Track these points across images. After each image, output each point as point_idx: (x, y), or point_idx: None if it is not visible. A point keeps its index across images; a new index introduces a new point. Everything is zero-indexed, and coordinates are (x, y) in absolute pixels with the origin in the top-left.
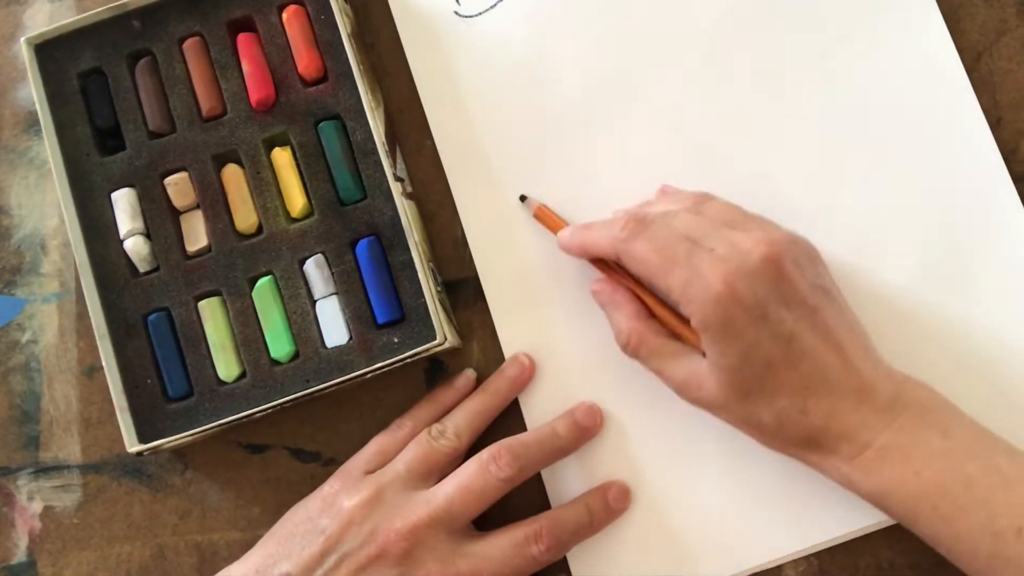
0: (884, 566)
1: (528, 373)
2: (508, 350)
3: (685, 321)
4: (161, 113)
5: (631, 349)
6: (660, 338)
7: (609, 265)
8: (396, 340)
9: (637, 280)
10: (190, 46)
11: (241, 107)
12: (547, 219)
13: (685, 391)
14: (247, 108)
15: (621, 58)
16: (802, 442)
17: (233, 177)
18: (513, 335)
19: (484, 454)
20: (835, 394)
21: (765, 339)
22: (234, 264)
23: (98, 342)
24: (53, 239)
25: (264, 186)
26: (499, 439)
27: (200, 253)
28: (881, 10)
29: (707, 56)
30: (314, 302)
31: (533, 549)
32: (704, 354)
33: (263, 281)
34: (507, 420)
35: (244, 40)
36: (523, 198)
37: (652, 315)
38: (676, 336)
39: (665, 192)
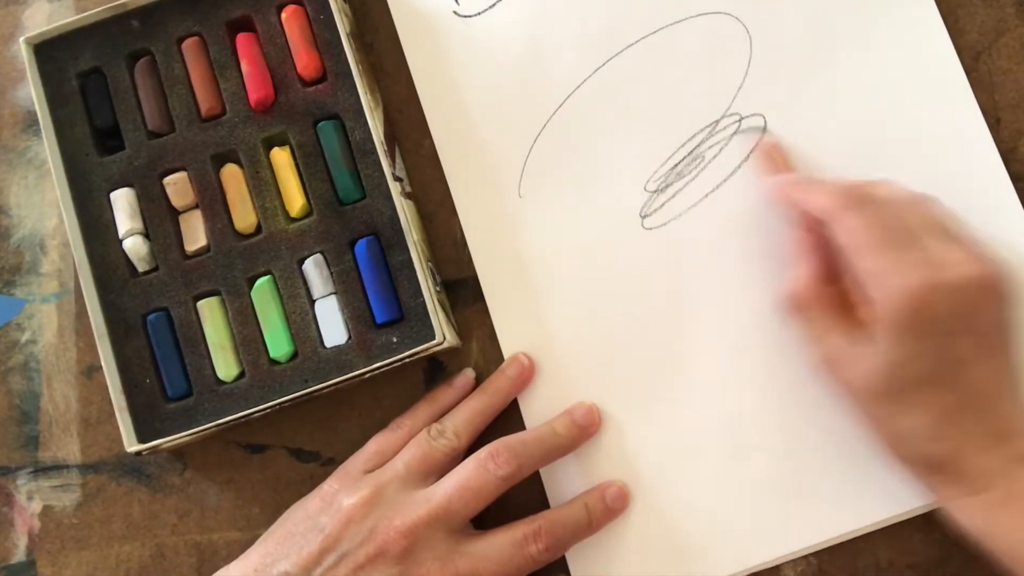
0: (883, 566)
1: (528, 373)
2: (507, 350)
3: (865, 304)
4: (160, 113)
5: (800, 302)
6: (830, 307)
7: (810, 223)
8: (395, 340)
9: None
10: (189, 46)
11: (240, 107)
12: (771, 159)
13: (834, 367)
14: (246, 108)
15: (620, 57)
16: (923, 463)
17: (232, 177)
18: (512, 335)
19: (483, 452)
20: (974, 431)
21: (936, 354)
22: (233, 264)
23: (97, 342)
24: (52, 239)
25: (263, 186)
26: (498, 439)
27: (199, 253)
28: (880, 10)
29: (707, 52)
30: (313, 302)
31: (532, 548)
32: (867, 341)
33: (262, 281)
34: (506, 420)
35: (243, 40)
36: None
37: (834, 283)
38: (846, 313)
39: (888, 183)
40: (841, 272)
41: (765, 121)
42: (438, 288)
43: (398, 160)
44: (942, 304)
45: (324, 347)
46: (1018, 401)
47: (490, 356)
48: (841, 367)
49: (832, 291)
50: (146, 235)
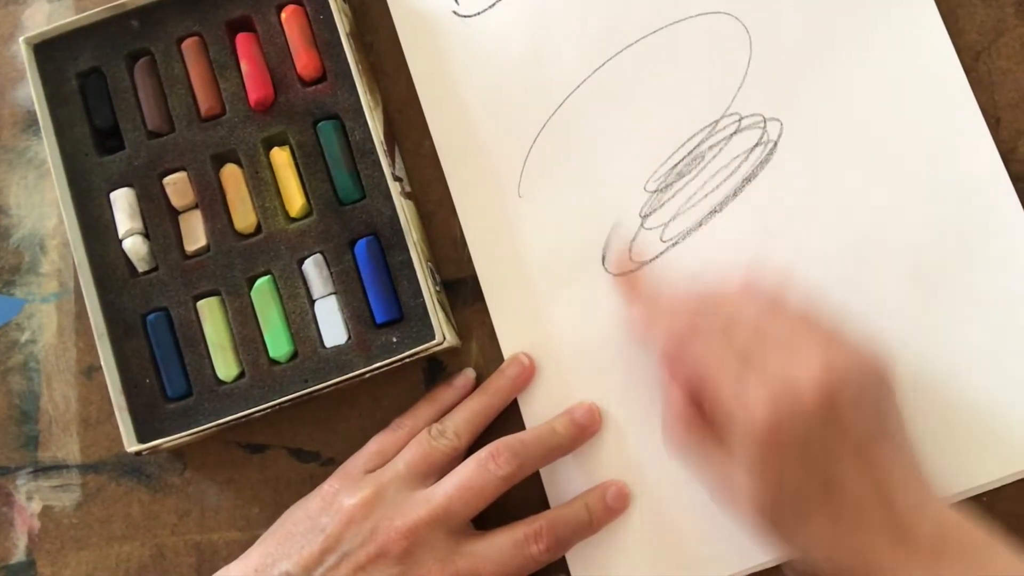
0: None
1: (528, 373)
2: (507, 350)
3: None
4: (160, 113)
5: (676, 442)
6: (702, 435)
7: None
8: (395, 340)
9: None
10: (189, 46)
11: (240, 107)
12: (627, 285)
13: (715, 496)
14: (246, 108)
15: (620, 57)
16: (834, 573)
17: (232, 177)
18: (512, 335)
19: (483, 452)
20: (870, 533)
21: (802, 477)
22: (233, 264)
23: (97, 342)
24: (52, 239)
25: (263, 186)
26: (498, 439)
27: (199, 253)
28: (879, 10)
29: (707, 52)
30: (313, 302)
31: (532, 548)
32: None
33: (262, 281)
34: (506, 420)
35: (243, 40)
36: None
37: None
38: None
39: (744, 284)
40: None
41: (765, 121)
42: (438, 288)
43: (398, 160)
44: (789, 429)
45: (324, 347)
46: (921, 490)
47: (490, 356)
48: (722, 498)
49: (700, 423)
50: (146, 235)
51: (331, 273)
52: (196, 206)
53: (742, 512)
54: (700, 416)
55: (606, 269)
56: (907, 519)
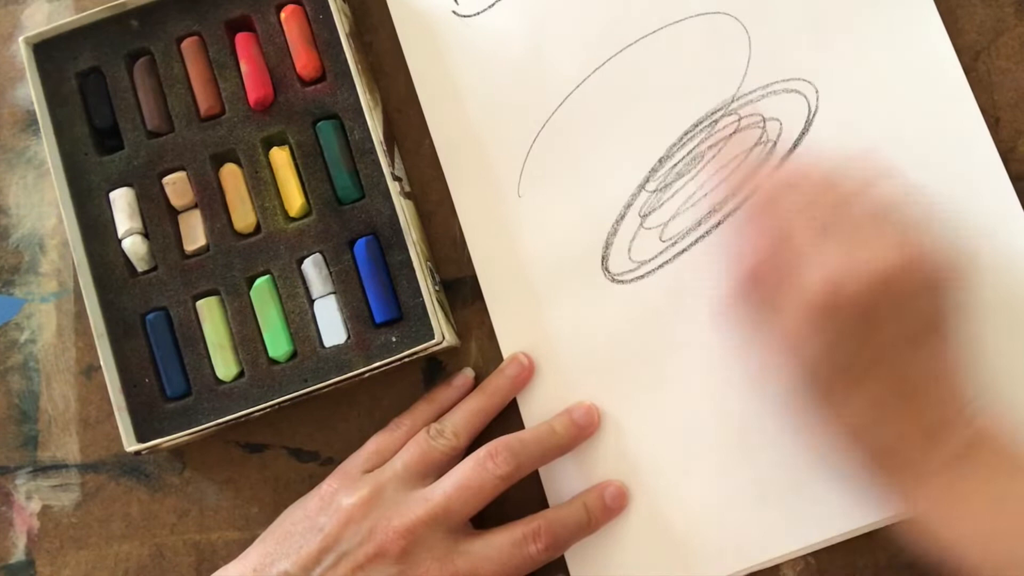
0: (882, 565)
1: (527, 373)
2: (506, 349)
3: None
4: (159, 112)
5: (732, 300)
6: (763, 301)
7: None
8: (394, 339)
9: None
10: (188, 46)
11: (239, 107)
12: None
13: (769, 365)
14: (245, 108)
15: (620, 57)
16: (868, 456)
17: (231, 176)
18: (511, 334)
19: (481, 452)
20: (909, 424)
21: (853, 346)
22: (232, 263)
23: (96, 341)
24: (51, 238)
25: (262, 185)
26: (497, 438)
27: (198, 252)
28: (878, 10)
29: (706, 52)
30: (312, 301)
31: (531, 548)
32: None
33: (261, 280)
34: (505, 419)
35: (242, 40)
36: None
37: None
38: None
39: (846, 165)
40: (770, 264)
41: (764, 120)
42: (437, 288)
43: (397, 160)
44: (852, 297)
45: (323, 347)
46: (956, 398)
47: (489, 356)
48: (776, 365)
49: (760, 292)
50: (145, 235)
51: (330, 273)
52: (195, 206)
53: (786, 379)
54: (762, 282)
55: (607, 270)
56: (946, 413)
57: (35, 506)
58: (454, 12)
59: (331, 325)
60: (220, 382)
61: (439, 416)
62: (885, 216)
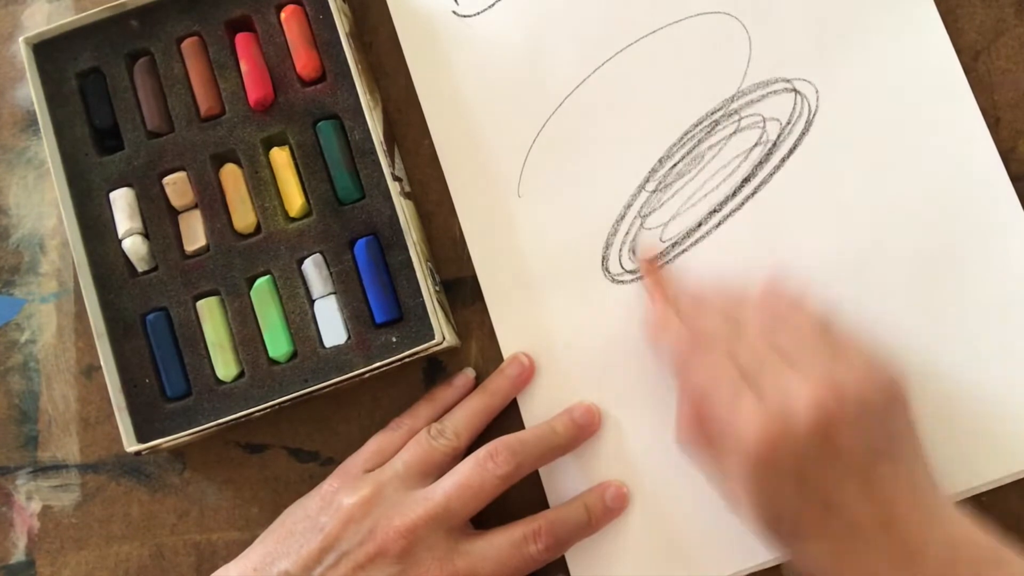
0: None
1: (528, 373)
2: (506, 349)
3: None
4: (159, 113)
5: (680, 443)
6: (706, 443)
7: None
8: (394, 340)
9: None
10: (188, 46)
11: (239, 107)
12: (652, 282)
13: (722, 498)
14: (245, 108)
15: (620, 57)
16: None
17: (231, 177)
18: (511, 334)
19: (481, 452)
20: (871, 556)
21: (798, 500)
22: (232, 264)
23: (96, 342)
24: (51, 239)
25: (262, 186)
26: (497, 438)
27: (198, 253)
28: (878, 10)
29: (706, 52)
30: (312, 302)
31: (531, 548)
32: None
33: (261, 281)
34: (506, 419)
35: (242, 40)
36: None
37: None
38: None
39: (762, 291)
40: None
41: (764, 121)
42: (437, 288)
43: (397, 160)
44: (784, 454)
45: (323, 347)
46: (933, 508)
47: (489, 356)
48: (730, 506)
49: (706, 434)
50: (145, 235)
51: (330, 273)
52: (195, 206)
53: (744, 519)
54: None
55: (606, 270)
56: (913, 542)
57: (35, 506)
58: (454, 12)
59: (331, 325)
60: (220, 382)
61: (439, 416)
62: (807, 348)
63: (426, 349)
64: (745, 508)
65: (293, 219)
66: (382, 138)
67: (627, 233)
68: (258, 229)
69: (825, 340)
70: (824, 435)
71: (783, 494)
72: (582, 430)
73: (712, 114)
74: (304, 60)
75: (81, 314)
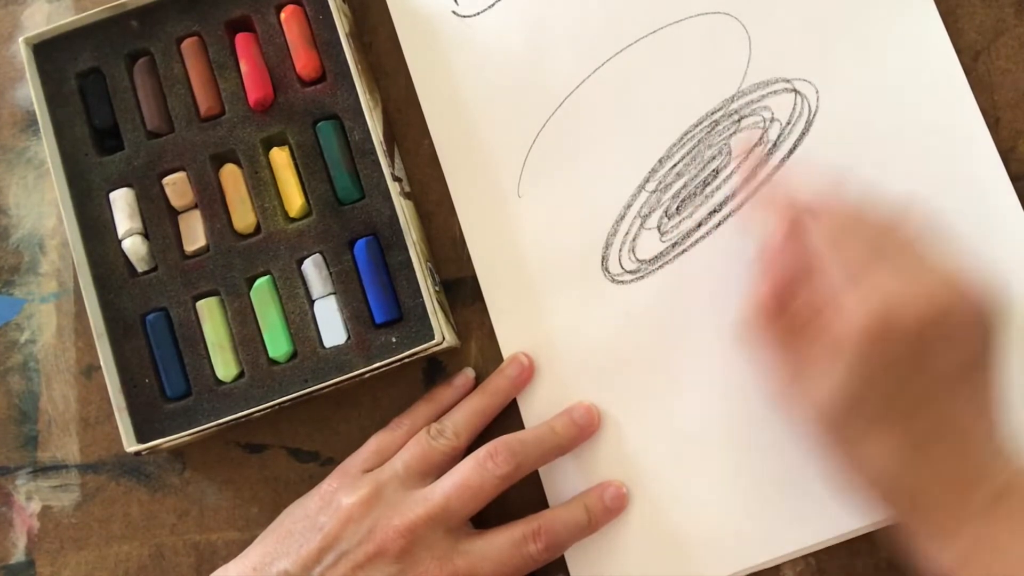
0: (882, 566)
1: (528, 373)
2: (506, 350)
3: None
4: (159, 113)
5: (758, 325)
6: (785, 331)
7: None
8: (394, 340)
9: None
10: (188, 46)
11: (239, 107)
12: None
13: (792, 393)
14: (245, 108)
15: (620, 57)
16: (890, 494)
17: (231, 177)
18: (511, 335)
19: (481, 451)
20: (944, 468)
21: (897, 385)
22: (232, 264)
23: (96, 342)
24: (51, 239)
25: (262, 186)
26: (496, 438)
27: (198, 253)
28: (878, 10)
29: (706, 52)
30: (312, 302)
31: (531, 548)
32: (826, 364)
33: (261, 281)
34: (505, 419)
35: (242, 40)
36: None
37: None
38: (799, 338)
39: (864, 202)
40: (798, 289)
41: (764, 120)
42: (437, 288)
43: (397, 160)
44: (901, 338)
45: (323, 347)
46: (994, 439)
47: (489, 356)
48: (800, 392)
49: (787, 316)
50: (145, 235)
51: (330, 273)
52: (195, 206)
53: (816, 407)
54: (784, 309)
55: (606, 270)
56: (977, 466)
57: (35, 506)
58: (454, 12)
59: (331, 325)
60: (220, 382)
61: (439, 416)
62: (912, 257)
63: (426, 349)
64: (821, 392)
65: (293, 219)
66: (382, 138)
67: (627, 233)
68: (258, 229)
69: (928, 253)
70: (931, 333)
71: (877, 375)
72: (582, 430)
73: (712, 114)
74: (304, 60)
75: (81, 314)
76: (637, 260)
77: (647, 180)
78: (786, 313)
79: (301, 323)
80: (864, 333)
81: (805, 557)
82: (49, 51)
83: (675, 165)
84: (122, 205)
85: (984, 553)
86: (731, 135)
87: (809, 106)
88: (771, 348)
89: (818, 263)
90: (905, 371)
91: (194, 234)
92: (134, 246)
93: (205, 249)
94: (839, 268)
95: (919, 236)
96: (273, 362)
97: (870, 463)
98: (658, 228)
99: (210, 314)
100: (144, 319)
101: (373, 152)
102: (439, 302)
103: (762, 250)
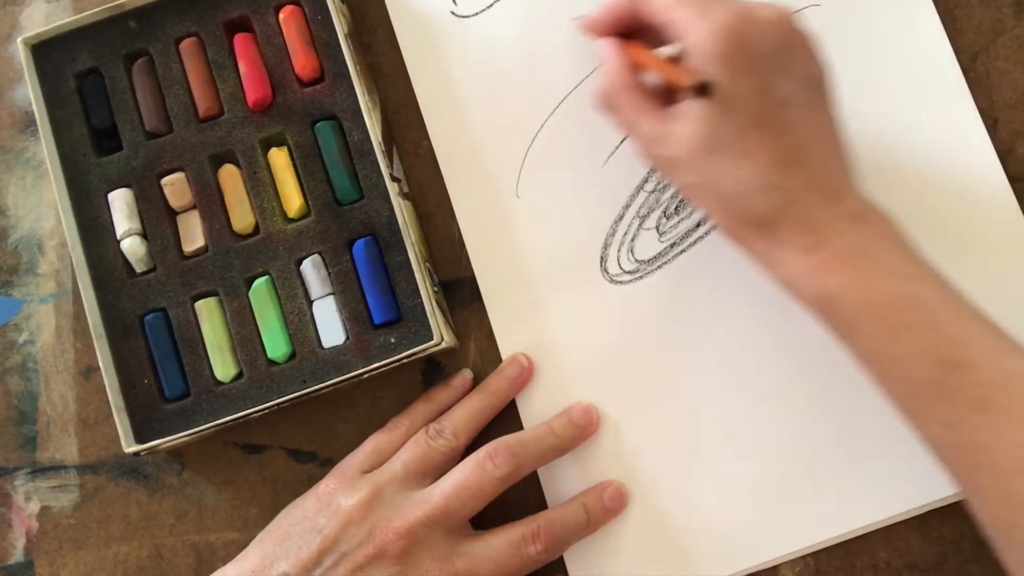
0: (880, 566)
1: (527, 373)
2: (505, 350)
3: (677, 64)
4: (158, 113)
5: (608, 96)
6: (639, 92)
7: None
8: (393, 340)
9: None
10: (187, 46)
11: (238, 107)
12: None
13: (653, 145)
14: (244, 108)
15: None
16: (757, 222)
17: (230, 177)
18: (510, 335)
19: (480, 452)
20: (807, 182)
21: (759, 90)
22: (231, 264)
23: (95, 342)
24: (50, 239)
25: (261, 186)
26: (496, 439)
27: (197, 253)
28: (877, 10)
29: None
30: (311, 302)
31: (530, 549)
32: (684, 108)
33: (260, 281)
34: (504, 420)
35: (241, 40)
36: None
37: (639, 70)
38: (653, 96)
39: None
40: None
41: None
42: (436, 288)
43: (396, 160)
44: (757, 37)
45: (322, 347)
46: (845, 162)
47: (488, 356)
48: (660, 143)
49: (637, 80)
50: (144, 236)
51: (329, 274)
52: (194, 207)
53: (680, 148)
54: (638, 78)
55: (605, 271)
56: (837, 178)
57: (34, 507)
58: (453, 13)
59: (330, 326)
60: (219, 383)
61: (437, 416)
62: None
63: (425, 350)
64: (689, 115)
65: (292, 220)
66: (380, 139)
67: (626, 233)
68: (257, 230)
69: None
70: (788, 39)
71: (748, 79)
72: (580, 430)
73: None
74: (303, 61)
75: (80, 315)
76: (636, 260)
77: (646, 180)
78: (634, 80)
79: (300, 323)
80: (727, 32)
81: (804, 557)
82: (48, 51)
83: None
84: (121, 206)
85: (847, 269)
86: None
87: None
88: (627, 112)
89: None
90: (768, 74)
91: (193, 234)
92: (133, 246)
93: (204, 250)
94: (685, 9)
95: None
96: (272, 362)
97: (738, 188)
98: (657, 228)
99: (209, 315)
100: (143, 320)
101: (372, 153)
102: (438, 303)
103: (598, 49)
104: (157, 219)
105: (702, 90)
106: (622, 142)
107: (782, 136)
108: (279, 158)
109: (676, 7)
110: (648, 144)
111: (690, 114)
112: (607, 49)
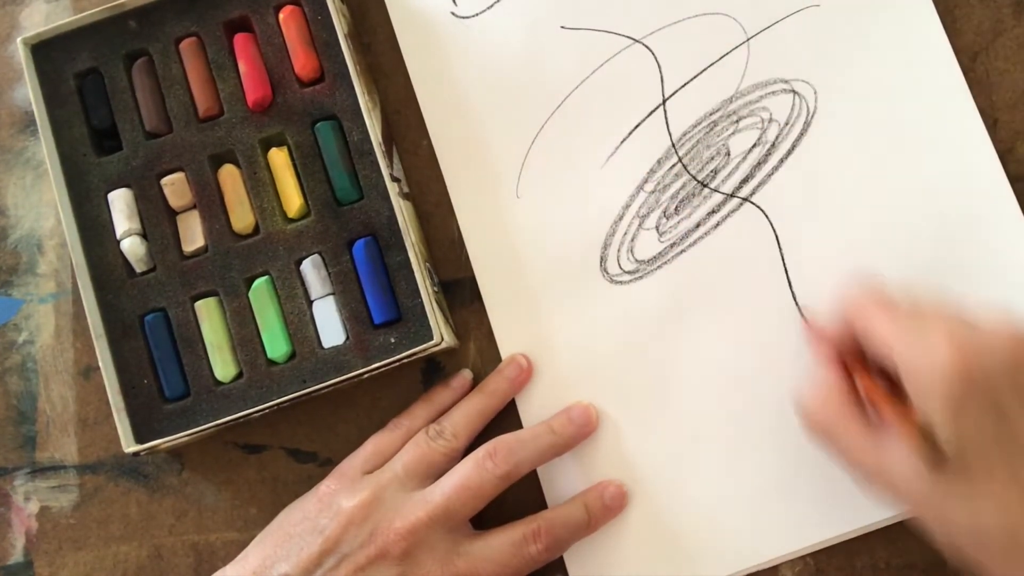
0: (880, 566)
1: (526, 374)
2: (504, 350)
3: (895, 394)
4: (158, 113)
5: (820, 420)
6: (856, 419)
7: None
8: (393, 340)
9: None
10: (187, 46)
11: (238, 107)
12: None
13: (868, 477)
14: (244, 108)
15: (618, 58)
16: (1001, 553)
17: (230, 177)
18: (510, 335)
19: (480, 452)
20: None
21: (989, 424)
22: (231, 264)
23: (95, 342)
24: (50, 239)
25: (261, 186)
26: (495, 438)
27: (197, 253)
28: (877, 10)
29: (705, 53)
30: (311, 302)
31: (531, 548)
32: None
33: (260, 281)
34: (504, 420)
35: (241, 40)
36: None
37: (854, 389)
38: (865, 421)
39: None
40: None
41: (763, 121)
42: (436, 288)
43: (396, 160)
44: (979, 371)
45: (322, 347)
46: None
47: (488, 356)
48: (879, 475)
49: (855, 408)
50: (144, 235)
51: (329, 274)
52: (194, 207)
53: (899, 487)
54: (854, 393)
55: (605, 271)
56: None
57: (33, 507)
58: (453, 13)
59: (330, 326)
60: (219, 383)
61: (437, 417)
62: (937, 309)
63: (425, 350)
64: (911, 463)
65: (291, 220)
66: (380, 139)
67: (625, 234)
68: (256, 230)
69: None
70: (1017, 361)
71: (974, 416)
72: (580, 430)
73: (710, 115)
74: (303, 61)
75: (79, 315)
76: (636, 260)
77: (645, 180)
78: (854, 395)
79: (300, 323)
80: (954, 363)
81: (804, 557)
82: (47, 51)
83: (673, 166)
84: (120, 205)
85: None
86: (730, 136)
87: (807, 107)
88: (842, 435)
89: (889, 321)
90: (1009, 398)
91: (193, 234)
92: (133, 246)
93: (204, 250)
94: (905, 322)
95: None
96: (272, 362)
97: (985, 524)
98: (656, 228)
99: (209, 315)
100: (143, 320)
101: (372, 153)
102: (438, 303)
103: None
104: (157, 219)
105: (926, 438)
106: (622, 142)
107: (1019, 466)
108: (279, 158)
109: (893, 338)
110: (862, 475)
111: (913, 459)
112: (829, 371)
